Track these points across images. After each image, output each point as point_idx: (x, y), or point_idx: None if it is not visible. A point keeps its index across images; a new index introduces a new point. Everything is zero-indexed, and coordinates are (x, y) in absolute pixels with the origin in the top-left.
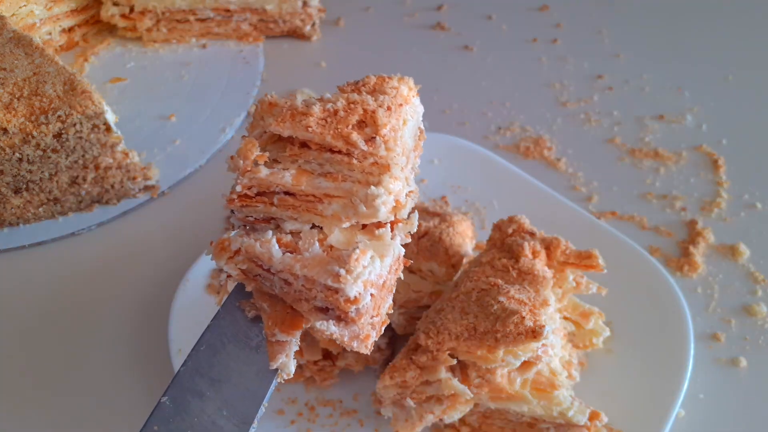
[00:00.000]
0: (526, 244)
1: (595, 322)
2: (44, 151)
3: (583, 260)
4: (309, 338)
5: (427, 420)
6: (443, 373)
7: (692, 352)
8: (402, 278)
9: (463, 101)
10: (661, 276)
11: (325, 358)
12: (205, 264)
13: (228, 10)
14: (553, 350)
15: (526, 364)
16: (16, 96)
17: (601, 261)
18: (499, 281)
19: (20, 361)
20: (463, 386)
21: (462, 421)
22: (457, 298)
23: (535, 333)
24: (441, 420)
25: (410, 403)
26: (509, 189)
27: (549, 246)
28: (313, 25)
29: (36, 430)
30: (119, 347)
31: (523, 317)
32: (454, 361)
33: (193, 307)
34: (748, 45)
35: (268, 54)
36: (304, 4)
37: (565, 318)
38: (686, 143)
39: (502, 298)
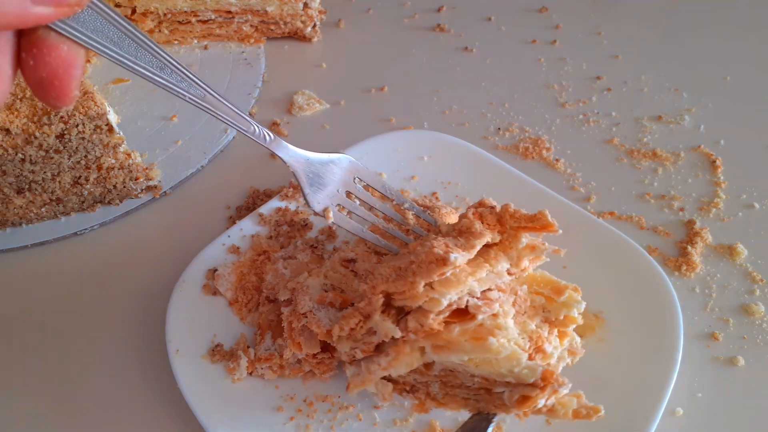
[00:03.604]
0: (471, 209)
1: (568, 295)
2: (47, 151)
3: (535, 222)
4: (307, 332)
5: (375, 372)
6: (377, 316)
7: (682, 341)
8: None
9: (463, 102)
10: (653, 269)
11: (324, 350)
12: (201, 264)
13: (229, 12)
14: (502, 308)
15: (467, 316)
16: (19, 97)
17: (551, 219)
18: (432, 234)
19: (21, 361)
20: (392, 325)
21: (427, 394)
22: (396, 255)
23: (443, 260)
24: (399, 380)
25: (359, 355)
26: (499, 184)
27: (500, 214)
28: (314, 26)
29: (34, 428)
30: (121, 346)
31: (434, 246)
32: (382, 299)
33: (190, 308)
34: (746, 46)
35: (269, 55)
36: (305, 6)
37: (536, 293)
38: (684, 144)
39: (428, 242)
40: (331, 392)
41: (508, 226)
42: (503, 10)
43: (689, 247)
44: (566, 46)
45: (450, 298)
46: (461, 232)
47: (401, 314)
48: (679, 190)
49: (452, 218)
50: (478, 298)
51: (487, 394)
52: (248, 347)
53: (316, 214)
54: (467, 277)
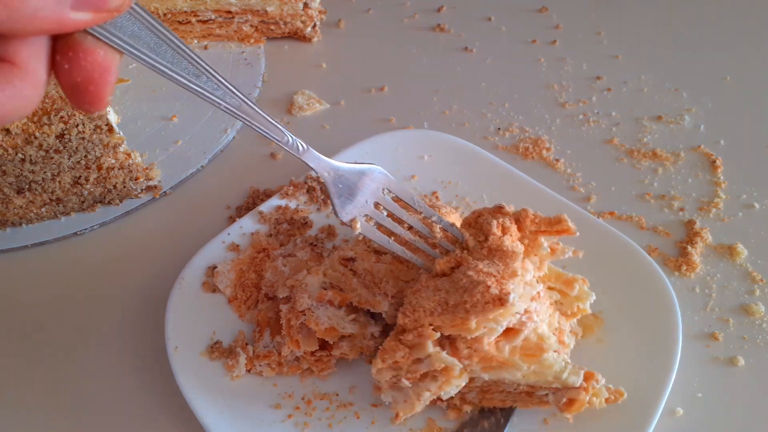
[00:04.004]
0: (494, 221)
1: (579, 289)
2: (47, 151)
3: (554, 226)
4: (305, 330)
5: (425, 398)
6: (431, 348)
7: (680, 341)
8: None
9: (463, 102)
10: (652, 269)
11: (322, 348)
12: (201, 262)
13: (229, 12)
14: (539, 317)
15: (512, 332)
16: None
17: (570, 224)
18: (469, 258)
19: (21, 360)
20: (452, 358)
21: (462, 399)
22: (431, 279)
23: (501, 300)
24: (439, 397)
25: (406, 383)
26: (498, 184)
27: (518, 219)
28: (314, 26)
29: (35, 427)
30: (120, 344)
31: (489, 286)
32: (438, 335)
33: (190, 305)
34: (746, 46)
35: (269, 55)
36: (305, 6)
37: (550, 288)
38: (684, 144)
39: (470, 273)
40: (329, 390)
41: (527, 231)
42: (503, 10)
43: (689, 247)
44: (566, 46)
45: (506, 324)
46: (491, 251)
47: (440, 338)
48: (679, 190)
49: (452, 218)
50: (520, 314)
51: (527, 396)
52: (247, 344)
53: (343, 223)
54: (515, 304)
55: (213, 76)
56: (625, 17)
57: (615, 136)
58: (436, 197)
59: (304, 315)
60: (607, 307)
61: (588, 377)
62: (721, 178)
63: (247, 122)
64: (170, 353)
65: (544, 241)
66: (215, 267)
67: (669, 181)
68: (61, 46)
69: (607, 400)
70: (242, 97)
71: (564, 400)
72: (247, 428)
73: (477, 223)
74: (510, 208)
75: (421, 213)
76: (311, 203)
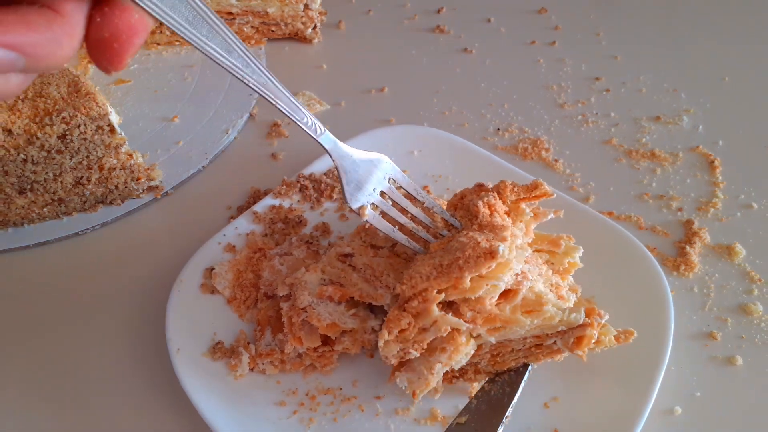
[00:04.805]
0: (480, 201)
1: (565, 245)
2: (49, 152)
3: (532, 191)
4: (307, 326)
5: (437, 370)
6: (436, 312)
7: (672, 332)
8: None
9: (462, 103)
10: (647, 261)
11: (324, 344)
12: (198, 263)
13: (230, 14)
14: (532, 276)
15: (511, 293)
16: (21, 97)
17: (547, 187)
18: (460, 233)
19: (21, 360)
20: (457, 319)
21: (476, 370)
22: (426, 255)
23: (491, 253)
24: (453, 372)
25: (414, 353)
26: (488, 176)
27: (499, 190)
28: (315, 28)
29: (35, 427)
30: (122, 345)
31: (479, 242)
32: (442, 297)
33: (189, 307)
34: (745, 47)
35: (270, 56)
36: (306, 7)
37: (539, 251)
38: (682, 144)
39: (462, 239)
40: (332, 385)
41: (508, 201)
42: (503, 11)
43: (687, 247)
44: (565, 47)
45: (506, 281)
46: (482, 227)
47: (443, 306)
48: (678, 191)
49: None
50: (517, 273)
51: (536, 349)
52: (249, 344)
53: (351, 210)
54: (511, 260)
55: (243, 53)
56: (624, 18)
57: (614, 137)
58: (428, 191)
59: (306, 312)
60: (599, 294)
61: (590, 313)
62: (720, 178)
63: (271, 100)
64: (173, 356)
65: (526, 208)
66: (212, 269)
67: (667, 182)
68: (99, 2)
69: (617, 338)
70: (269, 76)
71: (572, 340)
72: (254, 426)
73: (463, 204)
74: (489, 185)
75: (423, 203)
76: (304, 202)
